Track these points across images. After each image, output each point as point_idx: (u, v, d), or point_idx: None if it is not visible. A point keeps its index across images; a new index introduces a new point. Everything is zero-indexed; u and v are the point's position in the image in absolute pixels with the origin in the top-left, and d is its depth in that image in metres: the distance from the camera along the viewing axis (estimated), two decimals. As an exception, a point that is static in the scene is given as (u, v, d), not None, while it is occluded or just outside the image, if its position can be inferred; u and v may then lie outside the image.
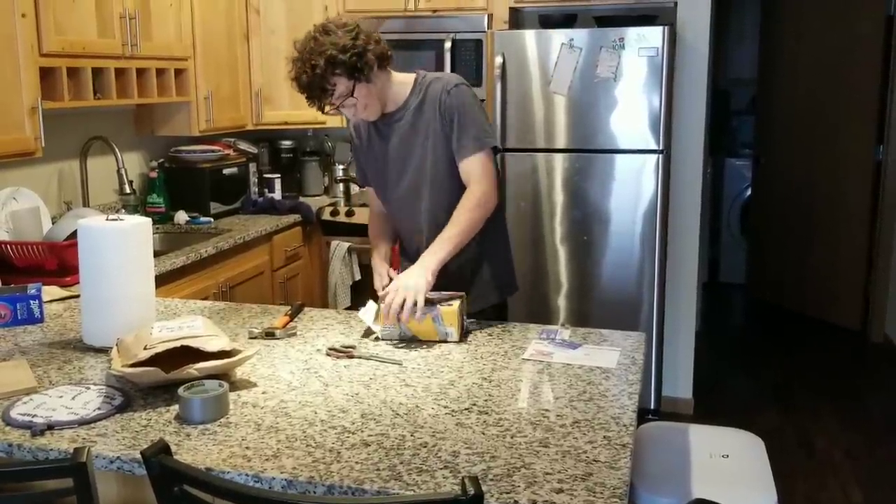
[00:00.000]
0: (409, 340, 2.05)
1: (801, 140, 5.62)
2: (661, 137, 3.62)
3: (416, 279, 2.06)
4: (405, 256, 2.43)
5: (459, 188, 2.23)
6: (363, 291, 3.93)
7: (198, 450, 1.44)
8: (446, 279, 2.16)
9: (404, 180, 2.30)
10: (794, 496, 3.25)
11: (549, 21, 3.92)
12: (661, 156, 3.64)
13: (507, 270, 2.43)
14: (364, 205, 4.18)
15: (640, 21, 3.73)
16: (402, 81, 2.27)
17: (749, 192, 6.35)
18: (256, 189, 4.25)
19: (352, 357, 1.93)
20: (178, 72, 3.58)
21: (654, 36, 3.55)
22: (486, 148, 2.22)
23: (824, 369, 4.69)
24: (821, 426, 3.93)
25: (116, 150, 3.34)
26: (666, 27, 3.56)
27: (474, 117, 2.22)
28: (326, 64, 2.06)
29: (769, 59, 5.90)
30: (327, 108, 2.15)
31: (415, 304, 2.02)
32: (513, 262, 2.46)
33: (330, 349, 1.96)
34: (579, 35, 3.65)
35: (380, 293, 2.17)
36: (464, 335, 2.08)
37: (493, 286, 2.36)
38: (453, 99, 2.20)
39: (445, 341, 2.05)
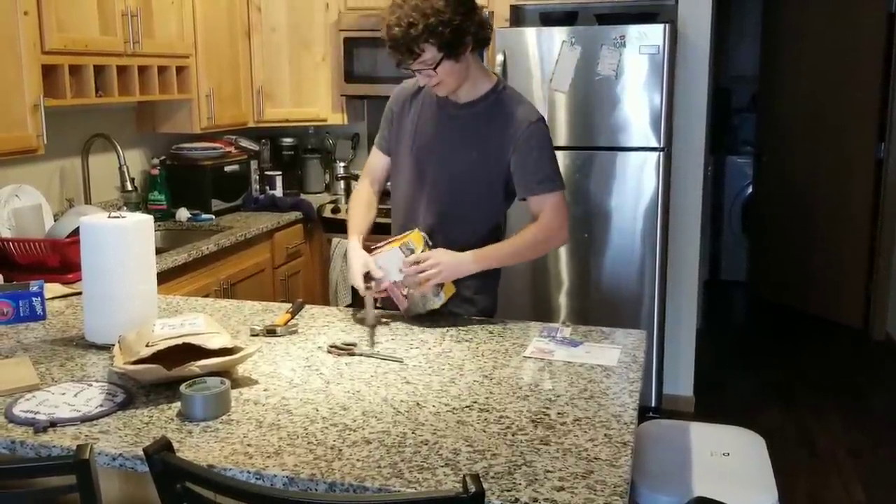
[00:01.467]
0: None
1: (803, 138, 5.62)
2: (662, 135, 3.62)
3: (448, 270, 2.09)
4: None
5: (477, 213, 2.22)
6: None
7: (200, 447, 1.44)
8: None
9: (429, 172, 2.22)
10: (796, 494, 3.25)
11: (550, 19, 3.92)
12: (662, 153, 3.64)
13: (492, 300, 2.36)
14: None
15: (641, 19, 3.73)
16: (483, 77, 2.19)
17: (750, 189, 6.35)
18: (258, 186, 4.26)
19: (353, 354, 1.93)
20: (180, 69, 3.59)
21: (655, 33, 3.55)
22: (562, 191, 2.18)
23: (826, 367, 4.69)
24: (822, 424, 3.93)
25: (118, 147, 3.35)
26: (667, 25, 3.56)
27: (552, 157, 2.18)
28: (425, 29, 1.97)
29: (770, 57, 5.89)
30: (398, 65, 2.08)
31: (426, 282, 2.08)
32: (497, 290, 2.39)
33: (331, 346, 1.97)
34: (580, 33, 3.65)
35: (362, 287, 2.14)
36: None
37: (476, 312, 2.30)
38: (537, 134, 2.15)
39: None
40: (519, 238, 2.17)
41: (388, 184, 2.39)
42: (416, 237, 2.15)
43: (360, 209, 2.34)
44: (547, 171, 2.17)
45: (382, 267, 2.13)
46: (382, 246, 2.19)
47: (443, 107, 2.22)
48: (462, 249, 2.15)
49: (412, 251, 2.12)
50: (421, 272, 2.09)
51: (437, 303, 2.15)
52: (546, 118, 3.27)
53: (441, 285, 2.13)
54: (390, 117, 2.33)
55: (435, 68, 2.05)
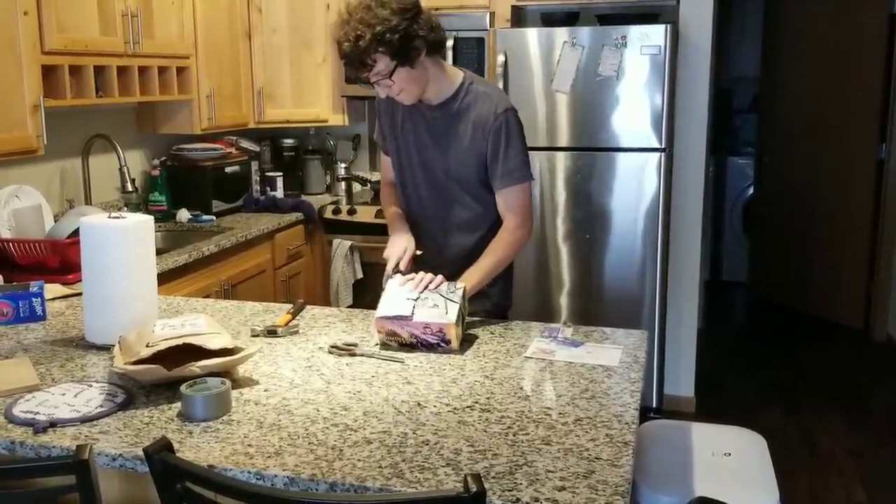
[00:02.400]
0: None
1: (804, 138, 5.62)
2: (663, 136, 3.62)
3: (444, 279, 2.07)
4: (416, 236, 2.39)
5: (470, 201, 2.23)
6: (365, 290, 3.93)
7: (200, 447, 1.44)
8: None
9: (423, 174, 2.27)
10: (797, 495, 3.25)
11: (551, 19, 3.92)
12: (663, 154, 3.63)
13: (507, 294, 2.40)
14: (365, 203, 4.19)
15: (642, 19, 3.73)
16: (449, 75, 2.19)
17: (751, 190, 6.35)
18: (258, 187, 4.26)
19: (354, 355, 1.93)
20: (180, 70, 3.58)
21: (656, 34, 3.55)
22: (527, 181, 2.20)
23: (827, 368, 4.69)
24: (823, 425, 3.93)
25: (118, 148, 3.35)
26: (668, 25, 3.55)
27: (519, 148, 2.19)
28: (372, 39, 1.97)
29: (772, 57, 5.89)
30: (355, 80, 2.09)
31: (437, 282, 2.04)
32: (512, 283, 2.43)
33: (332, 347, 1.96)
34: (581, 33, 3.64)
35: (390, 270, 2.14)
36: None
37: (490, 306, 2.32)
38: (504, 124, 2.15)
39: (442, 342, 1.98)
40: (492, 249, 2.20)
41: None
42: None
43: (388, 203, 2.38)
44: (511, 164, 2.18)
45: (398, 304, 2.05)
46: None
47: (418, 111, 2.24)
48: (467, 247, 2.22)
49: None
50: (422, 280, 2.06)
51: (457, 294, 2.03)
52: (547, 119, 3.26)
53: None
54: (379, 119, 2.36)
55: (390, 77, 2.06)
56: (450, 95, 2.19)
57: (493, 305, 2.32)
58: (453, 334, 1.95)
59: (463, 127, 2.19)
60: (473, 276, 2.14)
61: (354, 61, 2.02)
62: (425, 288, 2.03)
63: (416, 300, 2.00)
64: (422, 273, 2.08)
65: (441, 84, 2.18)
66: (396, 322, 1.97)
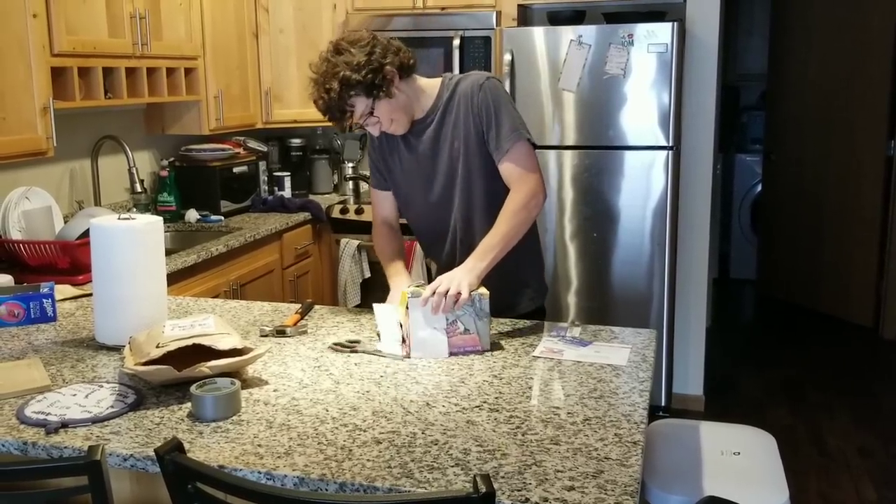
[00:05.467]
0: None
1: (812, 135, 5.60)
2: (670, 134, 3.61)
3: (462, 276, 1.95)
4: (432, 255, 2.39)
5: (492, 183, 2.17)
6: (373, 289, 3.94)
7: (210, 447, 1.45)
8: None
9: (435, 187, 2.22)
10: (807, 494, 3.24)
11: (557, 18, 3.92)
12: (670, 152, 3.63)
13: (541, 276, 2.37)
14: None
15: (649, 17, 3.72)
16: (428, 87, 2.19)
17: (759, 188, 6.33)
18: (266, 187, 4.27)
19: (355, 351, 1.94)
20: (188, 71, 3.60)
21: (663, 32, 3.54)
22: (523, 140, 2.12)
23: (836, 366, 4.67)
24: (833, 423, 3.92)
25: (127, 149, 3.36)
26: (675, 23, 3.55)
27: (509, 111, 2.14)
28: (341, 86, 1.98)
29: (779, 54, 5.87)
30: (352, 127, 2.09)
31: (458, 295, 1.91)
32: (544, 265, 2.41)
33: (335, 344, 1.97)
34: (588, 32, 3.64)
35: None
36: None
37: (533, 291, 2.32)
38: (486, 94, 2.12)
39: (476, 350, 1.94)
40: (499, 223, 2.08)
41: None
42: (403, 296, 1.99)
43: (384, 247, 2.32)
44: (504, 129, 2.12)
45: (417, 326, 1.94)
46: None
47: (408, 139, 2.22)
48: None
49: (418, 296, 1.95)
50: (444, 294, 1.94)
51: (485, 306, 1.96)
52: (554, 118, 3.24)
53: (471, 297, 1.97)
54: (376, 155, 2.32)
55: (372, 113, 2.06)
56: (434, 101, 2.19)
57: (535, 292, 2.33)
58: (486, 344, 1.96)
59: (454, 117, 2.16)
60: (486, 256, 2.02)
61: (335, 112, 2.04)
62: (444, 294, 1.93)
63: (446, 328, 1.92)
64: (437, 287, 1.93)
65: (423, 99, 2.18)
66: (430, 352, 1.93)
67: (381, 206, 2.37)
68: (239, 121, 4.00)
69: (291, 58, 4.20)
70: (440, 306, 1.91)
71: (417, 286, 2.02)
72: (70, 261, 2.67)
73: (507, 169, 2.13)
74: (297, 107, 4.24)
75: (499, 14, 3.97)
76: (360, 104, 2.04)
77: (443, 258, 2.30)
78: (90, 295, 2.43)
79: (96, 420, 1.56)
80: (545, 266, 2.44)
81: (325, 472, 1.35)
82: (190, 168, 3.89)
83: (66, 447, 1.47)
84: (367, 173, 4.54)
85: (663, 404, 3.85)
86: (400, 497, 1.28)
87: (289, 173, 4.38)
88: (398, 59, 2.07)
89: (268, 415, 1.59)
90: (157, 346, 1.69)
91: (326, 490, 1.33)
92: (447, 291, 1.92)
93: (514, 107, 2.19)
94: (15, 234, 2.81)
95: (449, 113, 2.18)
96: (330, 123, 2.12)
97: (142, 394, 1.68)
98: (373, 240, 2.41)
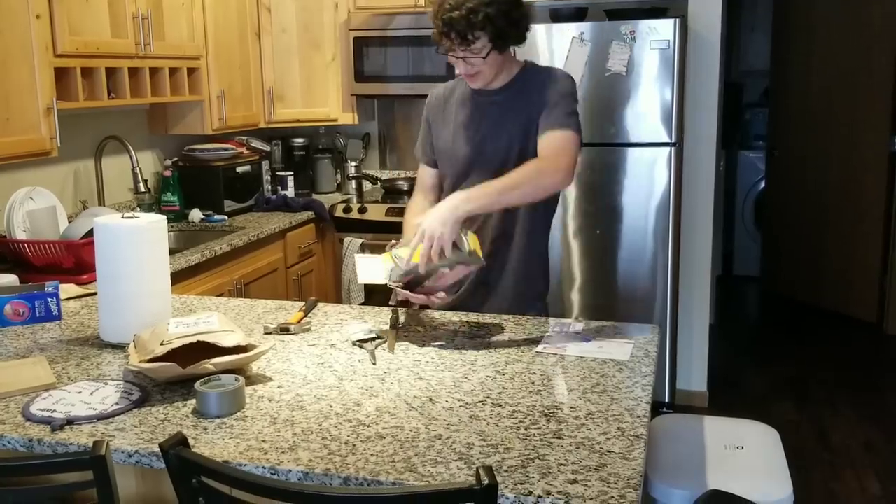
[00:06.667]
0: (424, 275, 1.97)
1: (815, 131, 5.59)
2: (673, 130, 3.61)
3: (447, 211, 1.90)
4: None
5: None
6: (376, 288, 3.94)
7: (215, 443, 1.45)
8: (488, 293, 2.18)
9: (479, 162, 2.17)
10: (811, 488, 3.24)
11: (559, 15, 3.92)
12: (673, 149, 3.63)
13: (545, 281, 2.35)
14: (376, 201, 4.20)
15: (651, 14, 3.72)
16: (513, 62, 2.17)
17: (763, 184, 6.33)
18: (269, 187, 4.28)
19: (377, 342, 1.94)
20: (191, 71, 3.61)
21: (665, 28, 3.54)
22: (574, 129, 2.07)
23: (840, 362, 4.67)
24: (836, 419, 3.91)
25: (131, 149, 3.37)
26: (677, 19, 3.55)
27: (573, 105, 2.11)
28: (484, 19, 1.94)
29: (782, 50, 5.87)
30: (445, 51, 2.04)
31: (442, 251, 1.89)
32: (548, 270, 2.37)
33: (358, 341, 1.98)
34: (590, 29, 3.64)
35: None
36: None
37: (535, 295, 2.30)
38: (563, 83, 2.12)
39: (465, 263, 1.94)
40: (515, 171, 2.01)
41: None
42: (387, 255, 2.03)
43: (410, 219, 2.28)
44: (563, 112, 2.08)
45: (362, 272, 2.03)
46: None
47: (478, 96, 2.19)
48: (518, 224, 2.18)
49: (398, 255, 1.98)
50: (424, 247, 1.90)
51: (466, 254, 1.93)
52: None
53: (456, 245, 1.94)
54: (427, 128, 2.33)
55: (484, 57, 2.03)
56: (512, 77, 2.17)
57: (542, 305, 2.32)
58: (477, 261, 1.96)
59: (528, 100, 2.13)
60: (478, 199, 1.95)
61: (459, 32, 1.98)
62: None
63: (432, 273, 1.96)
64: (414, 238, 1.92)
65: (508, 70, 2.17)
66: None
67: (424, 178, 2.36)
68: (242, 120, 4.01)
69: (294, 57, 4.21)
70: (426, 257, 1.90)
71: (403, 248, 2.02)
72: (74, 260, 2.68)
73: (546, 141, 2.05)
74: (300, 106, 4.25)
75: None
76: (481, 42, 2.01)
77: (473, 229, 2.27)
78: (95, 294, 2.43)
79: (101, 417, 1.57)
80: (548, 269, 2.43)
81: (329, 466, 1.36)
82: (193, 168, 3.90)
83: (71, 443, 1.48)
84: (370, 172, 4.58)
85: (667, 400, 3.86)
86: (404, 490, 1.29)
87: (292, 173, 4.39)
88: (525, 24, 2.07)
89: (272, 411, 1.60)
90: (162, 344, 1.69)
91: (331, 484, 1.33)
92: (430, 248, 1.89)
93: (576, 109, 2.14)
94: (19, 234, 2.82)
95: (521, 94, 2.15)
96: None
97: (146, 391, 1.69)
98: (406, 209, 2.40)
